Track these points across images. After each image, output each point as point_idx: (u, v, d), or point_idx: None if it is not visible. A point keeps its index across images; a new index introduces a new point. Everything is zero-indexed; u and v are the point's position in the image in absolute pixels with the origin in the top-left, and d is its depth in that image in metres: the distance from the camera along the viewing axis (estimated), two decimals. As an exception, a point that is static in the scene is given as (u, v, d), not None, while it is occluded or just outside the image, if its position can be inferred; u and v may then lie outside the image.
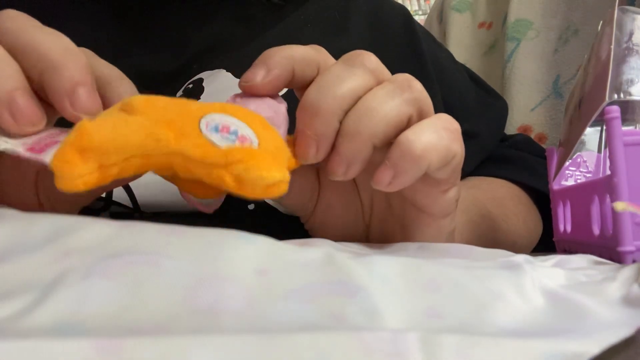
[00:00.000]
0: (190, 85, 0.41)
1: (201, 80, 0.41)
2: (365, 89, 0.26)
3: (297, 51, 0.27)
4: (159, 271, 0.15)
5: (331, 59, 0.28)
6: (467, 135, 0.50)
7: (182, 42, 0.43)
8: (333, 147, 0.26)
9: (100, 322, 0.13)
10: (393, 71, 0.27)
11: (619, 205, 0.28)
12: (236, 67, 0.41)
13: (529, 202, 0.52)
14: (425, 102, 0.27)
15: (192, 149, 0.21)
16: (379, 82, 0.26)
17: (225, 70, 0.41)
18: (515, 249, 0.46)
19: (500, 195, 0.50)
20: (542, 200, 0.53)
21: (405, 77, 0.26)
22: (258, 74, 0.26)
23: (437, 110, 0.27)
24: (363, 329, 0.14)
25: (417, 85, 0.26)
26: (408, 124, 0.26)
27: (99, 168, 0.20)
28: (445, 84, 0.50)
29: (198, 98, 0.39)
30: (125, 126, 0.21)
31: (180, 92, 0.41)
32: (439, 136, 0.25)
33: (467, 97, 0.54)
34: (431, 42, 0.54)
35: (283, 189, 0.22)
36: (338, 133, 0.26)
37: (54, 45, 0.22)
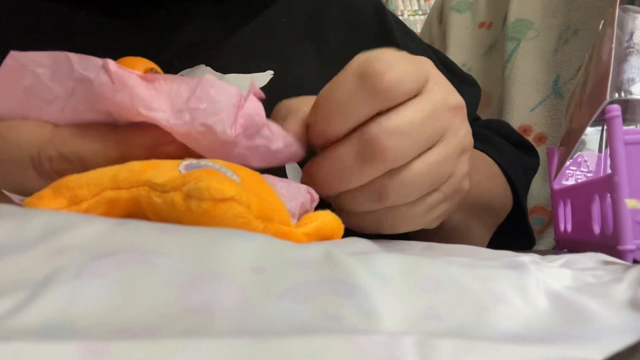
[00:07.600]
0: None
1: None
2: None
3: None
4: (153, 269, 0.15)
5: None
6: None
7: (163, 42, 0.43)
8: None
9: (91, 322, 0.13)
10: None
11: (631, 203, 0.28)
12: (215, 62, 0.42)
13: (501, 174, 0.53)
14: None
15: (159, 178, 0.21)
16: None
17: (204, 65, 0.41)
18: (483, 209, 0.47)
19: (478, 160, 0.51)
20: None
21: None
22: None
23: None
24: (358, 331, 0.14)
25: None
26: None
27: (69, 205, 0.21)
28: None
29: None
30: (103, 167, 0.22)
31: None
32: None
33: None
34: (402, 31, 0.56)
35: (236, 210, 0.20)
36: None
37: None
